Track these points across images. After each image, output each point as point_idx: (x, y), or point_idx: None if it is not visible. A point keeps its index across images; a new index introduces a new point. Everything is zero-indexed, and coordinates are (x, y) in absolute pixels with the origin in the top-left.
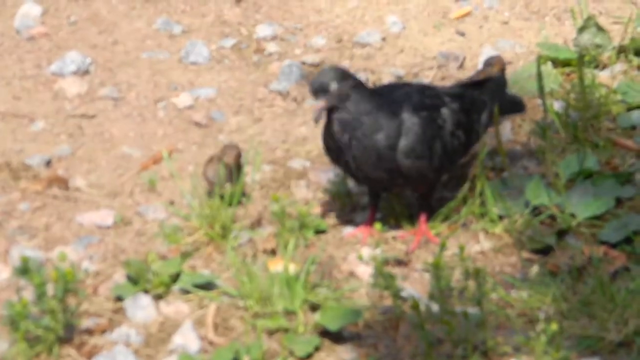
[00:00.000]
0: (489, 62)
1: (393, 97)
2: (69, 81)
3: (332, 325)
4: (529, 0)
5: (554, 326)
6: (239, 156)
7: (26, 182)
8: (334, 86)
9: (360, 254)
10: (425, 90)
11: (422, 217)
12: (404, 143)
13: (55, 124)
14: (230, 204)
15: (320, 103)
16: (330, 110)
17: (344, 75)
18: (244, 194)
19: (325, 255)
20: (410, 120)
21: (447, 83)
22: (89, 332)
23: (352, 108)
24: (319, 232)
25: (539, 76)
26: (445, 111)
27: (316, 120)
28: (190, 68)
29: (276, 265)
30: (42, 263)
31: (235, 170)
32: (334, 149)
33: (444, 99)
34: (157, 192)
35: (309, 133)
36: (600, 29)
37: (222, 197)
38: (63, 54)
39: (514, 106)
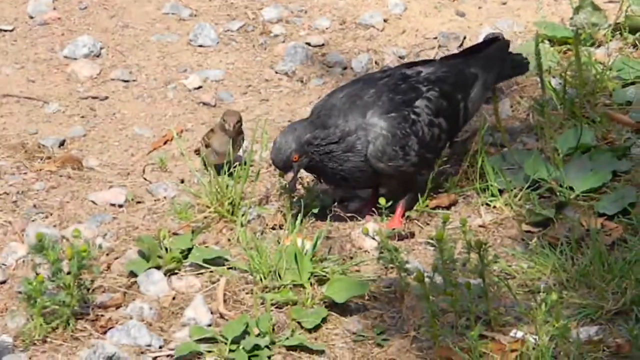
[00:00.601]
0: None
1: (361, 100)
2: (81, 64)
3: (339, 298)
4: None
5: (554, 296)
6: (240, 122)
7: (41, 163)
8: (294, 154)
9: (365, 228)
10: (400, 84)
11: (398, 208)
12: (371, 149)
13: (69, 106)
14: (238, 181)
15: (290, 175)
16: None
17: (299, 141)
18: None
19: (332, 230)
20: (377, 125)
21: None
22: (104, 307)
23: (321, 158)
24: (324, 207)
25: (537, 54)
26: (420, 103)
27: (292, 190)
28: (199, 50)
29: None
30: (57, 240)
31: (235, 137)
32: (318, 177)
33: (420, 88)
34: (167, 171)
35: None
36: (596, 7)
37: (230, 174)
38: (75, 38)
39: (518, 68)
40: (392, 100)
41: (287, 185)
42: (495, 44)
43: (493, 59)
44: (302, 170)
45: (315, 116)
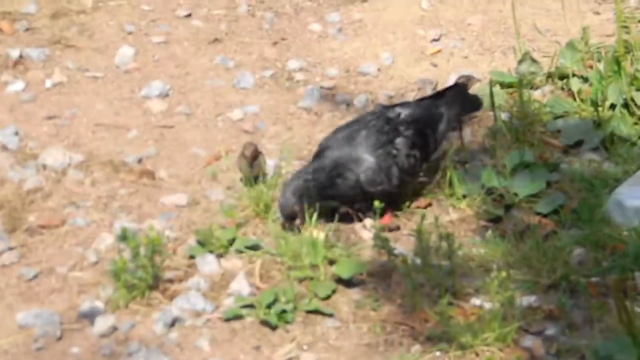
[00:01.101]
0: (466, 77)
1: (356, 139)
2: (154, 102)
3: (345, 274)
4: (483, 40)
5: (503, 274)
6: (256, 150)
7: (124, 174)
8: (296, 207)
9: (364, 223)
10: (385, 126)
11: (388, 211)
12: (364, 177)
13: (145, 132)
14: (270, 188)
15: (297, 222)
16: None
17: (300, 194)
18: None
19: (340, 225)
20: (367, 160)
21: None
22: (170, 281)
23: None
24: (333, 209)
25: (491, 95)
26: (399, 140)
27: (299, 231)
28: (241, 91)
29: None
30: (136, 232)
31: (251, 161)
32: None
33: (400, 129)
34: (217, 181)
35: None
36: (534, 61)
37: (265, 183)
38: (150, 83)
39: (474, 104)
40: (378, 140)
41: (296, 228)
42: (456, 87)
43: (454, 100)
44: None
45: (318, 150)
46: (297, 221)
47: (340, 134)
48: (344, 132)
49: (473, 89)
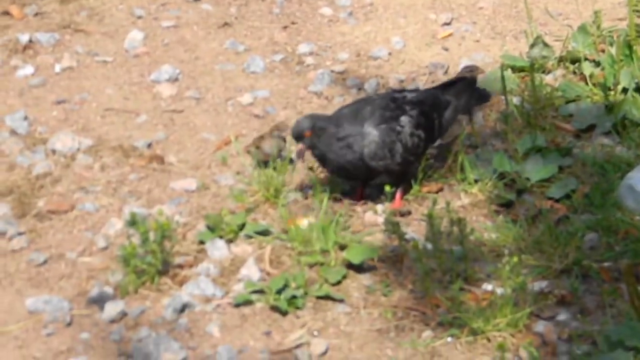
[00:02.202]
0: (470, 68)
1: (361, 114)
2: (163, 86)
3: (356, 260)
4: (494, 24)
5: (515, 259)
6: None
7: (134, 159)
8: (307, 132)
9: (375, 208)
10: (390, 104)
11: (398, 193)
12: (367, 151)
13: (154, 117)
14: (280, 173)
15: (300, 146)
16: (309, 148)
17: (314, 123)
18: (291, 161)
19: (351, 209)
20: (371, 133)
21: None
22: (180, 266)
23: (324, 144)
24: (344, 193)
25: (502, 79)
26: (404, 118)
27: (298, 158)
28: (251, 76)
29: (300, 222)
30: (146, 217)
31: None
32: (320, 163)
33: (405, 108)
34: (227, 165)
35: None
36: (546, 45)
37: (274, 168)
38: (159, 67)
39: (482, 97)
40: (383, 116)
41: (296, 153)
42: (465, 80)
43: (462, 91)
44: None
45: (334, 117)
46: (299, 146)
47: (347, 109)
48: (352, 107)
49: (484, 75)
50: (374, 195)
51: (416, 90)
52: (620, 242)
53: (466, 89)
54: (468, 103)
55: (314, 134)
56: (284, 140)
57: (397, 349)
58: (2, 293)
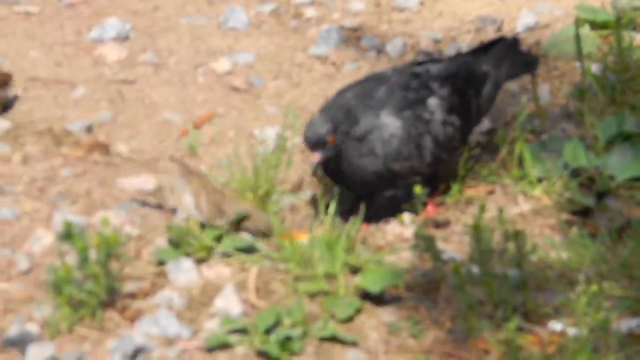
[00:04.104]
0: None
1: (373, 98)
2: (108, 47)
3: (373, 288)
4: None
5: (594, 287)
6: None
7: (68, 148)
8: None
9: (401, 217)
10: (411, 82)
11: (430, 200)
12: (388, 150)
13: (96, 90)
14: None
15: (318, 156)
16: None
17: (336, 123)
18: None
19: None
20: (392, 125)
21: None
22: (132, 295)
23: (347, 152)
24: (358, 197)
25: (577, 39)
26: (432, 101)
27: (314, 172)
28: (229, 33)
29: (299, 237)
30: (85, 228)
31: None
32: (335, 179)
33: (432, 86)
34: (198, 157)
35: None
36: None
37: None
38: (103, 21)
39: (528, 65)
40: (405, 98)
41: (313, 166)
42: (502, 42)
43: (502, 57)
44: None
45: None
46: (317, 156)
47: (349, 93)
48: (354, 91)
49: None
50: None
51: (440, 60)
52: None
53: (505, 54)
54: (511, 72)
55: (337, 138)
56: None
57: None
58: None
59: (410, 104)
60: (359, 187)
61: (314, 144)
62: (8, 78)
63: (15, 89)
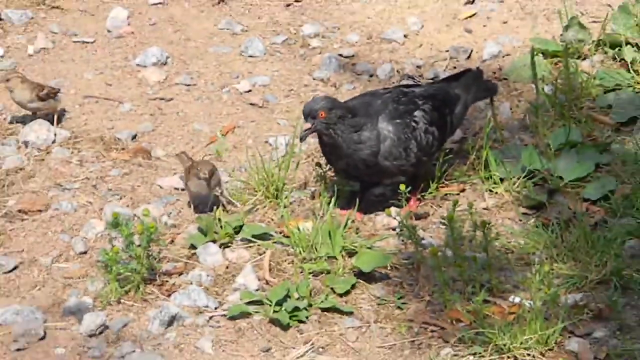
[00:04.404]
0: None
1: (372, 108)
2: (150, 71)
3: (366, 268)
4: (524, 3)
5: (546, 268)
6: (212, 171)
7: (116, 153)
8: (323, 113)
9: (388, 210)
10: (401, 97)
11: (412, 196)
12: (383, 149)
13: (139, 106)
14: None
15: (307, 125)
16: (319, 133)
17: (332, 105)
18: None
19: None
20: (386, 129)
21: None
22: (168, 274)
23: (338, 133)
24: (353, 192)
25: (533, 65)
26: (418, 113)
27: (302, 139)
28: (249, 60)
29: (299, 224)
30: (130, 218)
31: (210, 180)
32: (329, 159)
33: (418, 102)
34: (223, 160)
35: None
36: (582, 26)
37: (276, 166)
38: (145, 49)
39: (489, 90)
40: (397, 109)
41: (301, 133)
42: (470, 72)
43: (469, 84)
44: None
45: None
46: (307, 125)
47: (355, 102)
48: (358, 101)
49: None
50: (376, 205)
51: (421, 85)
52: None
53: (472, 82)
54: (477, 96)
55: (329, 117)
56: (214, 176)
57: None
58: None
59: (401, 114)
60: (349, 170)
61: (306, 114)
62: (56, 91)
63: (65, 103)
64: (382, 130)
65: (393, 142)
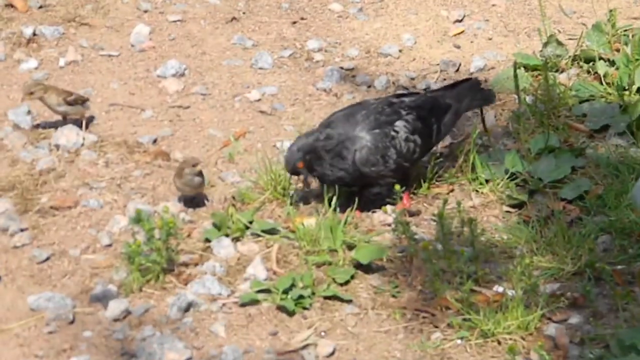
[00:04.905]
0: None
1: (354, 118)
2: (169, 81)
3: (364, 260)
4: (507, 22)
5: (527, 260)
6: (196, 166)
7: (139, 155)
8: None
9: (384, 207)
10: (385, 108)
11: (404, 195)
12: (359, 156)
13: (160, 113)
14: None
15: (301, 179)
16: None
17: (304, 150)
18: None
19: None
20: (364, 138)
21: (446, 83)
22: (185, 264)
23: (325, 166)
24: (352, 192)
25: (515, 78)
26: (399, 123)
27: (308, 187)
28: (259, 72)
29: (304, 220)
30: (151, 214)
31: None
32: (321, 180)
33: (401, 112)
34: (234, 163)
35: None
36: (559, 43)
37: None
38: (165, 62)
39: (487, 99)
40: (377, 120)
41: (303, 185)
42: (466, 82)
43: (464, 93)
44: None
45: (325, 123)
46: (302, 178)
47: (340, 113)
48: (344, 111)
49: (496, 74)
50: (373, 203)
51: (416, 94)
52: (634, 244)
53: (467, 91)
54: (470, 105)
55: (308, 161)
56: (200, 174)
57: (405, 351)
58: (4, 290)
59: (380, 124)
60: (338, 182)
61: (290, 172)
62: (85, 99)
63: (92, 110)
64: (358, 140)
65: (370, 150)
